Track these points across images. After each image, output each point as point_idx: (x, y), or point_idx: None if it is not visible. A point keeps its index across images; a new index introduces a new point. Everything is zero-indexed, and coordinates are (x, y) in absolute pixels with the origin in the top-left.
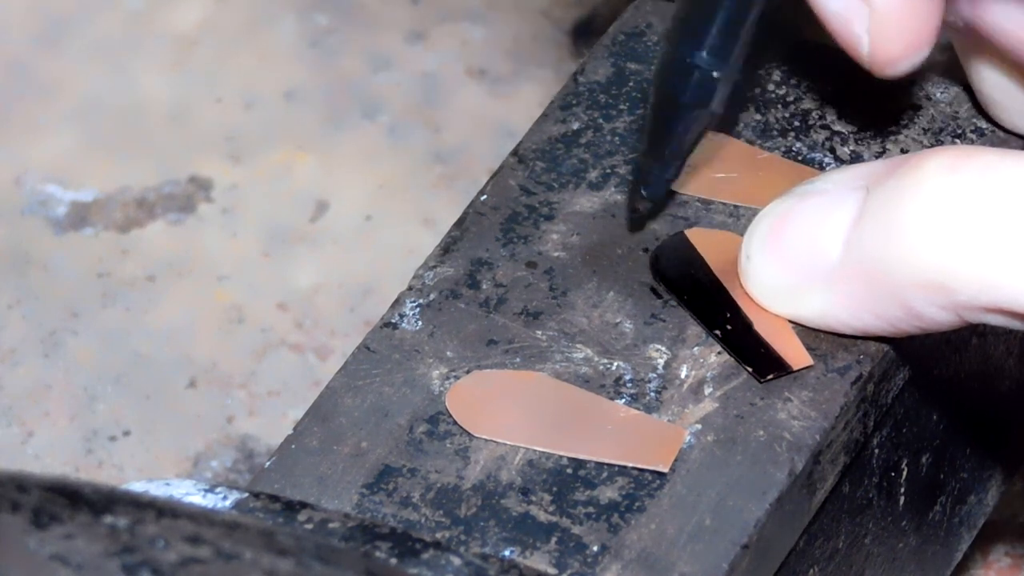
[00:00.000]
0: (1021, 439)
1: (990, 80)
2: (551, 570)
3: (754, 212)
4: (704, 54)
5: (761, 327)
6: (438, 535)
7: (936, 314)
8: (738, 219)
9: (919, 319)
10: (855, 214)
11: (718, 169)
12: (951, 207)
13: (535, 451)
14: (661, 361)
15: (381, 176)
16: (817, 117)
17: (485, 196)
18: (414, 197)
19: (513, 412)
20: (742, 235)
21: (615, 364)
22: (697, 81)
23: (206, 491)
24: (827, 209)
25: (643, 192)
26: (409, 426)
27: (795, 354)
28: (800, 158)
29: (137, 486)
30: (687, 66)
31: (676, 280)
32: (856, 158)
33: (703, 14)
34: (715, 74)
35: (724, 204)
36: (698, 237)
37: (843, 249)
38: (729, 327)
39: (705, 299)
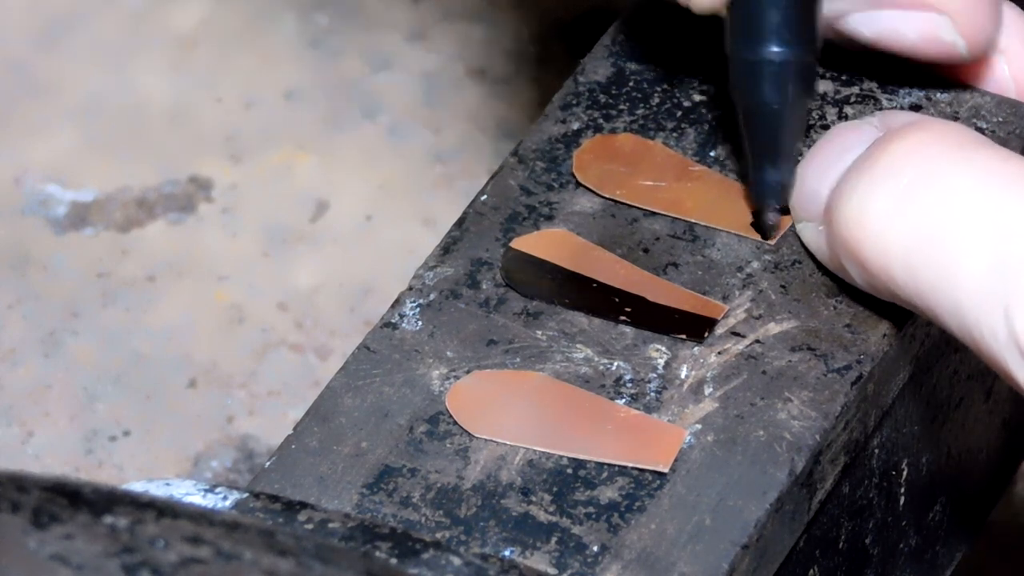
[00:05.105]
0: (1021, 438)
1: None
2: (551, 570)
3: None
4: (771, 47)
5: (655, 296)
6: (438, 535)
7: (861, 283)
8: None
9: (851, 280)
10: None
11: (648, 177)
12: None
13: (535, 451)
14: (661, 361)
15: (381, 176)
16: (817, 117)
17: (485, 196)
18: (414, 197)
19: (513, 412)
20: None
21: (615, 364)
22: (772, 77)
23: (206, 491)
24: (845, 146)
25: (770, 204)
26: (409, 426)
27: (707, 307)
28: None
29: (137, 486)
30: (756, 65)
31: (541, 291)
32: None
33: (754, 8)
34: (786, 60)
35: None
36: (527, 244)
37: (828, 192)
38: (628, 309)
39: (586, 294)
